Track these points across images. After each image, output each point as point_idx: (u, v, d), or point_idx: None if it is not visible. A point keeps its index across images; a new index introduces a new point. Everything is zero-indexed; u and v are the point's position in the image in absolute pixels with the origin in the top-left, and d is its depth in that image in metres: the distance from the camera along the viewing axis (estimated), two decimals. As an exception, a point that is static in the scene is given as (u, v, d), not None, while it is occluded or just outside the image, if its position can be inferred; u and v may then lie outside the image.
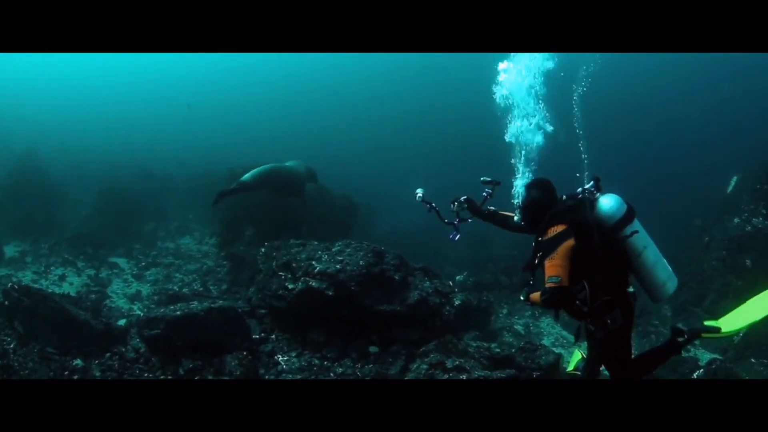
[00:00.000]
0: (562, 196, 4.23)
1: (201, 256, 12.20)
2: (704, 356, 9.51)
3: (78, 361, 5.71)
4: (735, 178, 13.22)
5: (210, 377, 5.82)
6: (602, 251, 3.87)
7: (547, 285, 3.80)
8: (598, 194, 4.10)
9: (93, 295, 9.48)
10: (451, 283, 7.85)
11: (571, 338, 10.53)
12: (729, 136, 35.63)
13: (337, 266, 6.24)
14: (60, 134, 28.16)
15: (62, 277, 10.32)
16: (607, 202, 4.03)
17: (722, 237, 11.51)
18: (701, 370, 5.12)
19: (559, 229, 3.88)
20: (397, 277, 6.44)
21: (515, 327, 9.65)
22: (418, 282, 6.69)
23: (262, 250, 7.32)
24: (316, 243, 7.00)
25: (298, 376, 5.91)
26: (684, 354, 9.88)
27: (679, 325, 4.54)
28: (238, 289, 9.23)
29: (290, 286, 6.41)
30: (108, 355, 5.98)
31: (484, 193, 4.79)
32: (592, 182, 4.15)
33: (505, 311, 10.97)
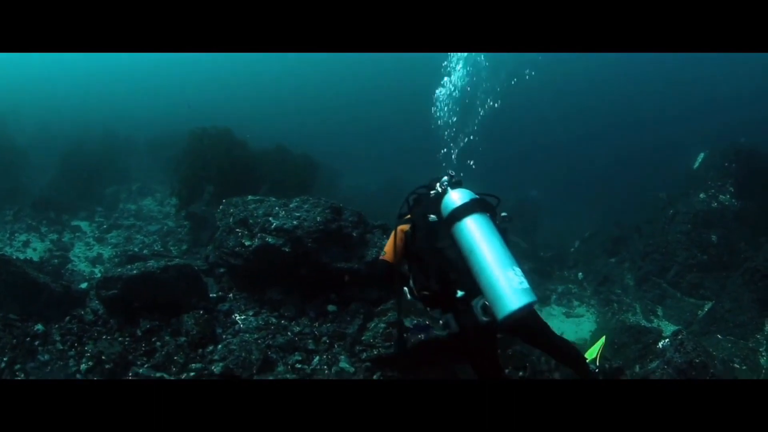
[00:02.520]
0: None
1: (162, 217, 12.08)
2: (668, 328, 9.62)
3: (39, 326, 5.59)
4: (702, 155, 13.35)
5: (167, 338, 5.68)
6: (425, 245, 4.02)
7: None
8: (449, 189, 4.08)
9: (55, 260, 9.43)
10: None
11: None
12: (696, 115, 36.18)
13: (294, 222, 6.08)
14: (22, 99, 27.48)
15: (26, 243, 10.28)
16: (450, 197, 3.98)
17: (687, 210, 11.61)
18: (666, 341, 5.03)
19: (407, 216, 4.32)
20: (355, 234, 6.30)
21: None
22: (377, 240, 6.55)
23: (220, 207, 7.12)
24: (273, 199, 6.82)
25: (255, 336, 5.79)
26: (647, 324, 10.01)
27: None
28: (198, 249, 9.08)
29: (247, 243, 6.24)
30: (68, 318, 5.86)
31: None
32: (445, 177, 4.24)
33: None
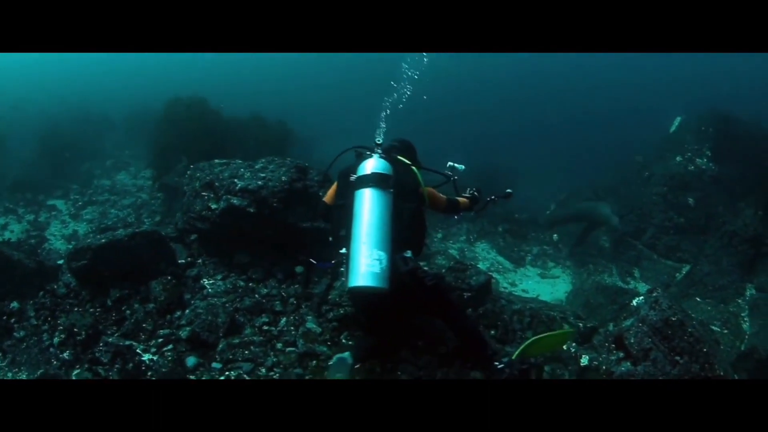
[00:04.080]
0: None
1: (136, 190, 12.08)
2: (645, 289, 9.67)
3: (14, 304, 5.68)
4: (678, 119, 13.38)
5: (137, 305, 5.66)
6: (336, 199, 4.56)
7: None
8: (371, 155, 4.39)
9: (32, 240, 9.50)
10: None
11: (507, 264, 10.63)
12: (674, 81, 36.17)
13: (259, 182, 6.02)
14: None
15: (4, 227, 10.27)
16: (365, 163, 4.25)
17: (663, 173, 11.65)
18: (640, 298, 4.93)
19: None
20: (321, 194, 6.24)
21: (449, 251, 9.63)
22: (344, 199, 6.51)
23: (188, 172, 7.04)
24: (240, 161, 6.73)
25: (224, 299, 5.77)
26: (624, 285, 10.05)
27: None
28: (171, 219, 9.04)
29: (213, 206, 6.18)
30: (41, 293, 5.89)
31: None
32: (375, 144, 4.68)
33: (439, 235, 11.00)
